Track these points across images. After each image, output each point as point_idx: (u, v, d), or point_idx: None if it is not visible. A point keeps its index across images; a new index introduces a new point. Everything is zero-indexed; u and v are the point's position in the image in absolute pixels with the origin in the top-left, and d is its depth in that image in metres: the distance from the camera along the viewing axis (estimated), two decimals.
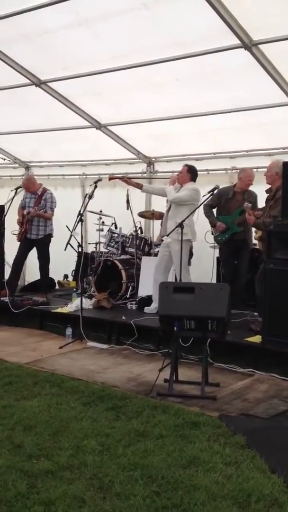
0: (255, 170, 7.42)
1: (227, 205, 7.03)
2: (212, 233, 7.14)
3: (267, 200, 6.18)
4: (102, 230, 8.24)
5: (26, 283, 9.48)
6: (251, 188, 7.05)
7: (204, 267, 7.47)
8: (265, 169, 6.40)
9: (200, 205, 6.52)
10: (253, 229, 6.65)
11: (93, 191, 6.85)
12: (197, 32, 5.80)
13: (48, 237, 7.99)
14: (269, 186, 6.27)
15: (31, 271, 9.26)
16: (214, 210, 7.19)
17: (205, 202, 6.70)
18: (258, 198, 6.89)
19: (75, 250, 7.81)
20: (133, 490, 3.00)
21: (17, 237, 8.04)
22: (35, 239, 7.94)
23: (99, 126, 8.34)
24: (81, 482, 3.08)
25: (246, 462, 3.36)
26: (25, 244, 8.02)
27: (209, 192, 6.32)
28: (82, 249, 7.21)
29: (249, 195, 6.98)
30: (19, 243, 8.06)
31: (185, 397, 4.57)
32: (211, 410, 4.27)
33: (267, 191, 6.26)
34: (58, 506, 2.82)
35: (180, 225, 6.14)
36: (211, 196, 6.53)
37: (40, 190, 7.99)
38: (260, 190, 6.44)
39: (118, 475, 3.17)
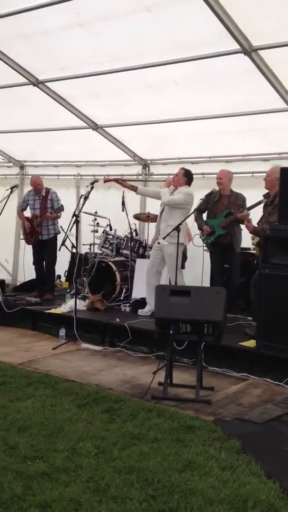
0: (250, 175, 7.47)
1: (214, 208, 7.06)
2: (200, 236, 7.20)
3: (265, 206, 6.19)
4: (97, 231, 8.23)
5: (18, 283, 9.45)
6: (241, 191, 7.03)
7: (197, 271, 7.46)
8: (262, 174, 6.42)
9: (196, 209, 6.54)
10: (250, 235, 6.64)
11: (89, 192, 6.79)
12: (197, 36, 5.81)
13: (56, 235, 8.08)
14: (267, 191, 6.28)
15: (26, 271, 9.19)
16: (204, 215, 7.20)
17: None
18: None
19: (69, 251, 7.80)
20: (129, 493, 2.98)
21: (27, 241, 8.16)
22: (47, 239, 8.01)
23: (95, 127, 8.33)
24: (77, 485, 3.07)
25: (242, 467, 3.36)
26: (38, 245, 8.12)
27: (206, 196, 6.33)
28: (76, 250, 7.19)
29: (236, 198, 6.96)
30: (27, 245, 8.20)
31: (179, 401, 4.56)
32: (206, 414, 4.27)
33: (264, 196, 6.26)
34: (55, 508, 2.80)
35: (177, 229, 6.15)
36: (200, 201, 6.57)
37: (44, 190, 8.02)
38: (257, 195, 6.43)
39: (114, 478, 3.15)
